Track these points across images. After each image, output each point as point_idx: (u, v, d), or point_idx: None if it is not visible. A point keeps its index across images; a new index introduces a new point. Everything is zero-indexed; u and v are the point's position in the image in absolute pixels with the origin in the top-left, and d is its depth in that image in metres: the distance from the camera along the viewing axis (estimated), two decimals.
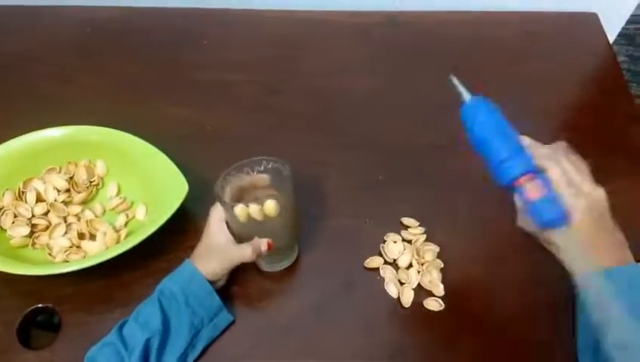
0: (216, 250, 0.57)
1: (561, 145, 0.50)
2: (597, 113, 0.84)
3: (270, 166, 0.58)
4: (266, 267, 0.63)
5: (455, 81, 0.51)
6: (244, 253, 0.56)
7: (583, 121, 0.83)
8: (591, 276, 0.45)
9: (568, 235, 0.46)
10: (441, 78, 0.86)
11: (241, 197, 0.58)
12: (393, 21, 0.93)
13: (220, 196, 0.55)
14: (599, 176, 0.77)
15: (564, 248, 0.47)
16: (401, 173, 0.74)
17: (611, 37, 0.97)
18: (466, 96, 0.51)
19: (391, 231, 0.67)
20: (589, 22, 0.97)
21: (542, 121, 0.82)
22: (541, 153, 0.49)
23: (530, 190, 0.46)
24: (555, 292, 0.61)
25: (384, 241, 0.66)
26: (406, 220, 0.68)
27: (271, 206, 0.53)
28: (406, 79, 0.87)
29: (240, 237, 0.57)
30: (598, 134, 0.81)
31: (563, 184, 0.47)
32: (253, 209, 0.53)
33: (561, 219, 0.46)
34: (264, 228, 0.55)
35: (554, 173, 0.47)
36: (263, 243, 0.56)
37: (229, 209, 0.54)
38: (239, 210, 0.53)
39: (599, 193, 0.48)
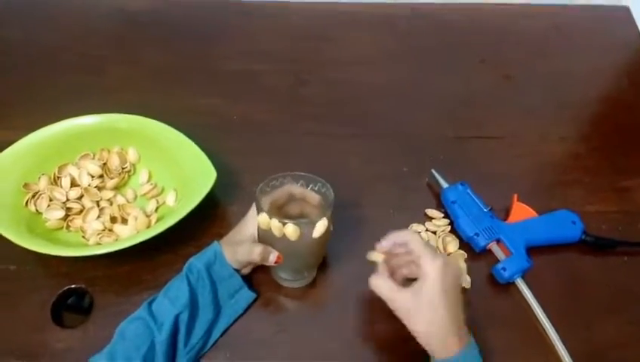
0: (239, 241, 0.59)
1: None
2: (628, 108, 0.83)
3: (318, 188, 0.58)
4: (281, 281, 0.63)
5: (435, 173, 0.70)
6: (253, 251, 0.56)
7: (613, 116, 0.82)
8: None
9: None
10: (467, 70, 0.87)
11: (286, 203, 0.58)
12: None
13: (258, 198, 0.55)
14: (628, 172, 0.75)
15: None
16: (425, 164, 0.74)
17: None
18: (444, 184, 0.69)
19: (415, 223, 0.68)
20: (621, 15, 0.95)
21: (571, 116, 0.82)
22: None
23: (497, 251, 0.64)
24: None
25: None
26: (430, 211, 0.69)
27: (290, 230, 0.52)
28: (432, 71, 0.87)
29: (259, 239, 0.58)
30: (629, 129, 0.80)
31: None
32: (274, 225, 0.53)
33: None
34: (279, 244, 0.55)
35: None
36: (273, 254, 0.56)
37: (259, 210, 0.55)
38: (262, 217, 0.53)
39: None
